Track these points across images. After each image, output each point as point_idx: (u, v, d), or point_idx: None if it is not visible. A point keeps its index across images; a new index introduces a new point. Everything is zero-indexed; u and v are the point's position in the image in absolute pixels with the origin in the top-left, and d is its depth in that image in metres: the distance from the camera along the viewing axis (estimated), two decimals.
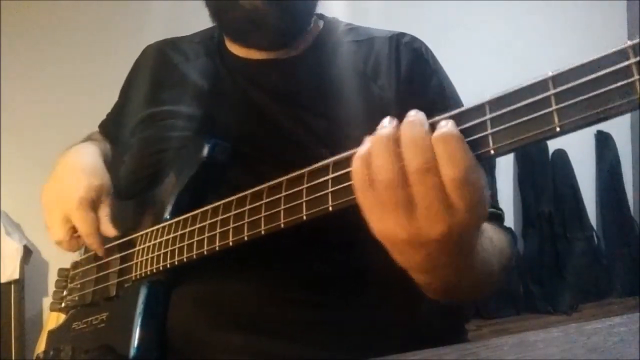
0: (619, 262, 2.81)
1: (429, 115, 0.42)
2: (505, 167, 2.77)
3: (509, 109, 0.38)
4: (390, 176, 0.40)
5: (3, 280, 1.96)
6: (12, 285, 1.98)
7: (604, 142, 2.91)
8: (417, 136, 0.40)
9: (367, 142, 0.43)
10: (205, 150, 0.65)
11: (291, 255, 0.64)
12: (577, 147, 2.84)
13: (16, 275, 1.97)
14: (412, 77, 0.71)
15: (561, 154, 2.82)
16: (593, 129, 2.89)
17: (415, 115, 0.41)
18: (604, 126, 2.90)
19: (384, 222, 0.42)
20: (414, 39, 0.75)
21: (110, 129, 0.89)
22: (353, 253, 0.64)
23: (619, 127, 2.93)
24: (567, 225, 2.76)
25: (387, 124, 0.42)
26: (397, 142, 0.41)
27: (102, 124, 0.92)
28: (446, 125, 0.40)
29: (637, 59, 0.32)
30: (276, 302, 0.64)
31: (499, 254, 0.56)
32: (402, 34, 0.76)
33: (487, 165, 0.45)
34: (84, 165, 0.75)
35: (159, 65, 0.82)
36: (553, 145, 2.81)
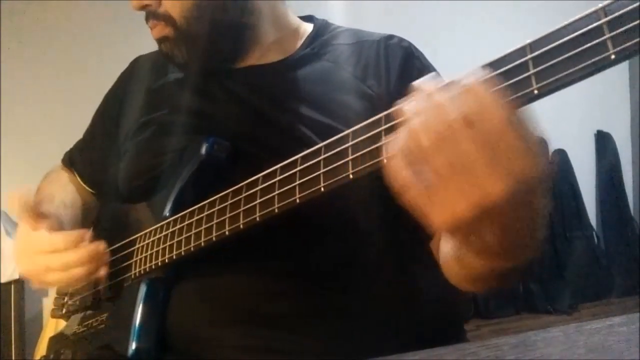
0: (619, 261, 2.81)
1: None
2: None
3: (490, 75, 0.39)
4: (442, 134, 0.37)
5: (3, 280, 1.96)
6: (12, 285, 1.98)
7: (603, 142, 2.92)
8: (449, 95, 0.38)
9: (401, 133, 0.40)
10: (204, 148, 0.66)
11: (288, 248, 0.64)
12: (577, 147, 2.84)
13: (16, 275, 1.97)
14: (404, 74, 0.72)
15: (561, 154, 2.82)
16: (593, 128, 2.91)
17: (430, 84, 0.39)
18: (604, 126, 2.91)
19: (446, 204, 0.38)
20: (401, 40, 0.76)
21: (81, 156, 0.91)
22: (352, 247, 0.64)
23: (619, 127, 2.94)
24: (566, 225, 2.76)
25: (413, 97, 0.40)
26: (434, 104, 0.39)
27: (70, 155, 0.94)
28: (469, 77, 0.38)
29: (608, 18, 0.33)
30: (275, 296, 0.64)
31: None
32: (391, 36, 0.76)
33: None
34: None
35: (151, 74, 0.83)
36: (553, 144, 2.82)
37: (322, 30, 0.80)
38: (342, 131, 0.65)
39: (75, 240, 0.68)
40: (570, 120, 2.77)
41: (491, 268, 0.49)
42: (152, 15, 0.71)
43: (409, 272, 0.68)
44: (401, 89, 0.69)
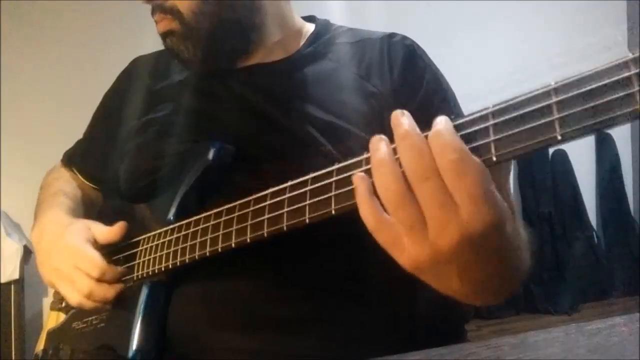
0: (619, 262, 2.81)
1: (428, 107, 0.41)
2: None
3: (511, 116, 0.38)
4: (397, 193, 0.40)
5: (3, 280, 1.96)
6: (12, 285, 1.98)
7: (604, 142, 2.91)
8: (414, 144, 0.40)
9: (362, 180, 0.43)
10: (211, 154, 0.65)
11: (291, 253, 0.64)
12: (577, 147, 2.84)
13: (16, 275, 1.97)
14: (406, 73, 0.72)
15: (561, 154, 2.82)
16: None
17: (405, 126, 0.41)
18: None
19: (405, 252, 0.41)
20: (404, 38, 0.76)
21: (81, 158, 0.91)
22: (355, 251, 0.64)
23: (619, 127, 2.92)
24: (567, 225, 2.76)
25: (379, 146, 0.42)
26: (396, 160, 0.41)
27: (69, 155, 0.93)
28: (440, 122, 0.40)
29: (638, 70, 0.33)
30: (277, 301, 0.64)
31: (526, 246, 0.55)
32: (393, 34, 0.76)
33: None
34: (63, 230, 0.73)
35: (151, 74, 0.82)
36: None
37: (324, 30, 0.79)
38: (347, 130, 0.64)
39: (112, 277, 0.68)
40: None
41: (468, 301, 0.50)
42: (159, 8, 0.70)
43: (411, 274, 0.68)
44: (404, 88, 0.70)
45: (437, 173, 0.39)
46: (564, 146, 2.79)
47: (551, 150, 2.82)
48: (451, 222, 0.39)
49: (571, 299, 2.64)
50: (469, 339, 0.75)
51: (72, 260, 0.68)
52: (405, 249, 0.41)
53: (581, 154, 2.87)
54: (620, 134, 2.94)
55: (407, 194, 0.40)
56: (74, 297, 0.68)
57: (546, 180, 2.78)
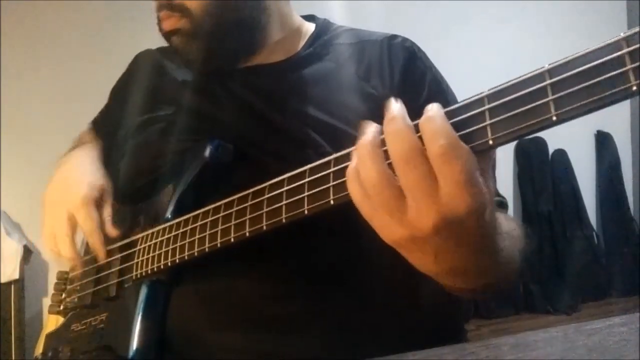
0: (618, 261, 2.81)
1: None
2: (505, 167, 2.77)
3: (507, 99, 0.39)
4: (376, 178, 0.41)
5: (3, 280, 1.96)
6: (12, 285, 1.98)
7: (603, 142, 2.92)
8: (398, 128, 0.40)
9: (354, 156, 0.44)
10: (208, 151, 0.65)
11: (291, 249, 0.64)
12: (577, 147, 2.84)
13: (16, 275, 1.97)
14: (407, 75, 0.72)
15: (561, 154, 2.82)
16: (593, 128, 2.91)
17: (394, 112, 0.42)
18: (604, 126, 2.91)
19: (385, 226, 0.42)
20: (405, 40, 0.76)
21: (102, 127, 0.90)
22: (355, 247, 0.64)
23: (619, 127, 2.94)
24: (566, 225, 2.76)
25: (368, 130, 0.43)
26: (381, 144, 0.42)
27: (95, 121, 0.93)
28: (432, 109, 0.40)
29: (630, 49, 0.33)
30: (276, 299, 0.64)
31: (514, 240, 0.55)
32: (394, 36, 0.76)
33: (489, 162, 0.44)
34: (84, 168, 0.77)
35: (152, 72, 0.82)
36: (553, 145, 2.82)
37: (324, 30, 0.79)
38: (346, 132, 0.65)
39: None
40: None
41: (448, 285, 0.50)
42: (167, 6, 0.70)
43: (411, 272, 0.68)
44: (405, 91, 0.70)
45: (421, 157, 0.39)
46: (564, 146, 2.81)
47: (551, 150, 2.82)
48: (431, 206, 0.39)
49: (570, 299, 2.64)
50: (469, 339, 0.75)
51: (71, 204, 0.71)
52: (385, 225, 0.42)
53: (581, 154, 2.87)
54: (620, 134, 2.95)
55: (384, 176, 0.41)
56: (50, 239, 0.72)
57: (546, 179, 2.78)
